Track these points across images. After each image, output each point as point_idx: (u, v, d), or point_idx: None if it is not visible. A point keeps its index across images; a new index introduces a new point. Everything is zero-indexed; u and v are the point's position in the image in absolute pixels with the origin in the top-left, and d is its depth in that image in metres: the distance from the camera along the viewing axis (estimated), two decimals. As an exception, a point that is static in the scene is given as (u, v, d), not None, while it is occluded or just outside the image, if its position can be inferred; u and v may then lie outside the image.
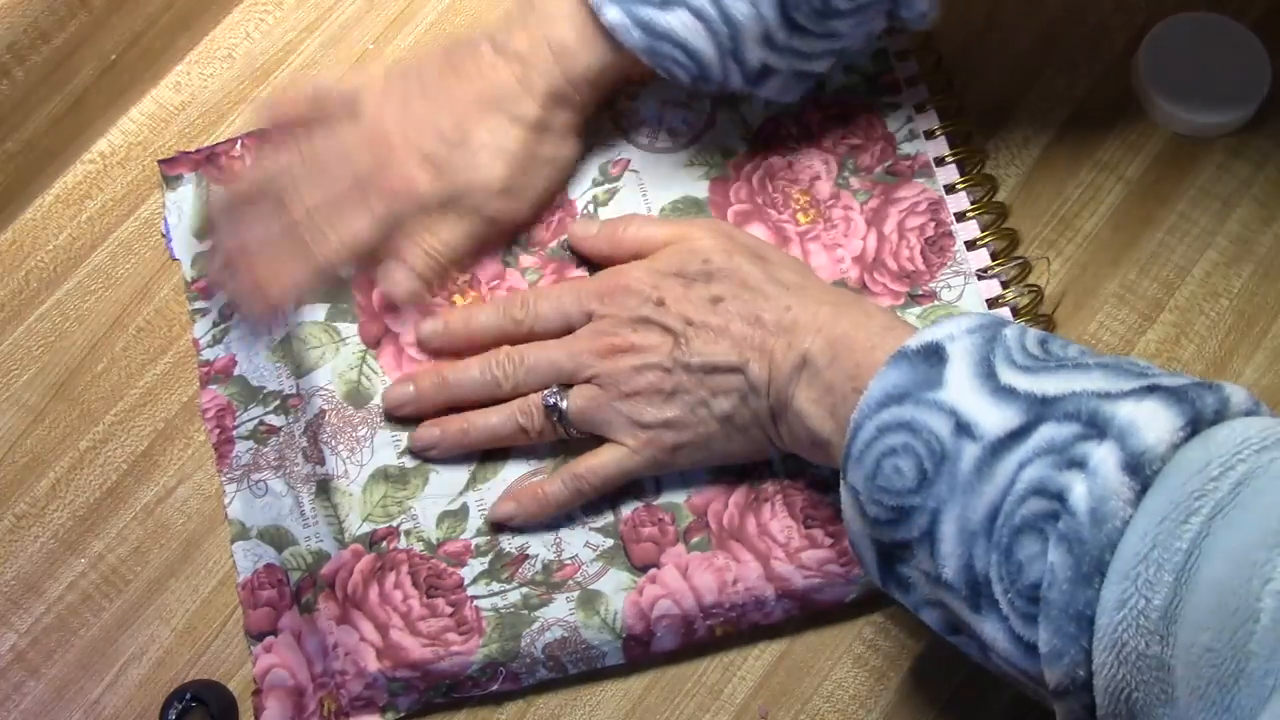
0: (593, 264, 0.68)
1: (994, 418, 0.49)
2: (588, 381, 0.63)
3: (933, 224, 0.69)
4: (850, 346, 0.56)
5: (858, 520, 0.53)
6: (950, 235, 0.69)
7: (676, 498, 0.65)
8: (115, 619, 0.66)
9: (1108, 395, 0.48)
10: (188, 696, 0.63)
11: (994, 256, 0.69)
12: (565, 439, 0.64)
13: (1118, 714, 0.44)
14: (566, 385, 0.63)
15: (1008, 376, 0.50)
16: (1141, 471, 0.45)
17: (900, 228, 0.69)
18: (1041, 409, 0.48)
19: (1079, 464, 0.46)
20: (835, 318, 0.58)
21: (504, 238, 0.68)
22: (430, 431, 0.65)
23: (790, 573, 0.63)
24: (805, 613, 0.64)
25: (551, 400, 0.63)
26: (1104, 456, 0.45)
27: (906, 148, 0.71)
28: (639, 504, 0.65)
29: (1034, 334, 0.53)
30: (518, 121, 0.65)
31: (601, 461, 0.63)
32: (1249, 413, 0.47)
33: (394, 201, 0.65)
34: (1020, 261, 0.69)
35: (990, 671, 0.52)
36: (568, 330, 0.64)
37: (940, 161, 0.70)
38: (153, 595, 0.66)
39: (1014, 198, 0.72)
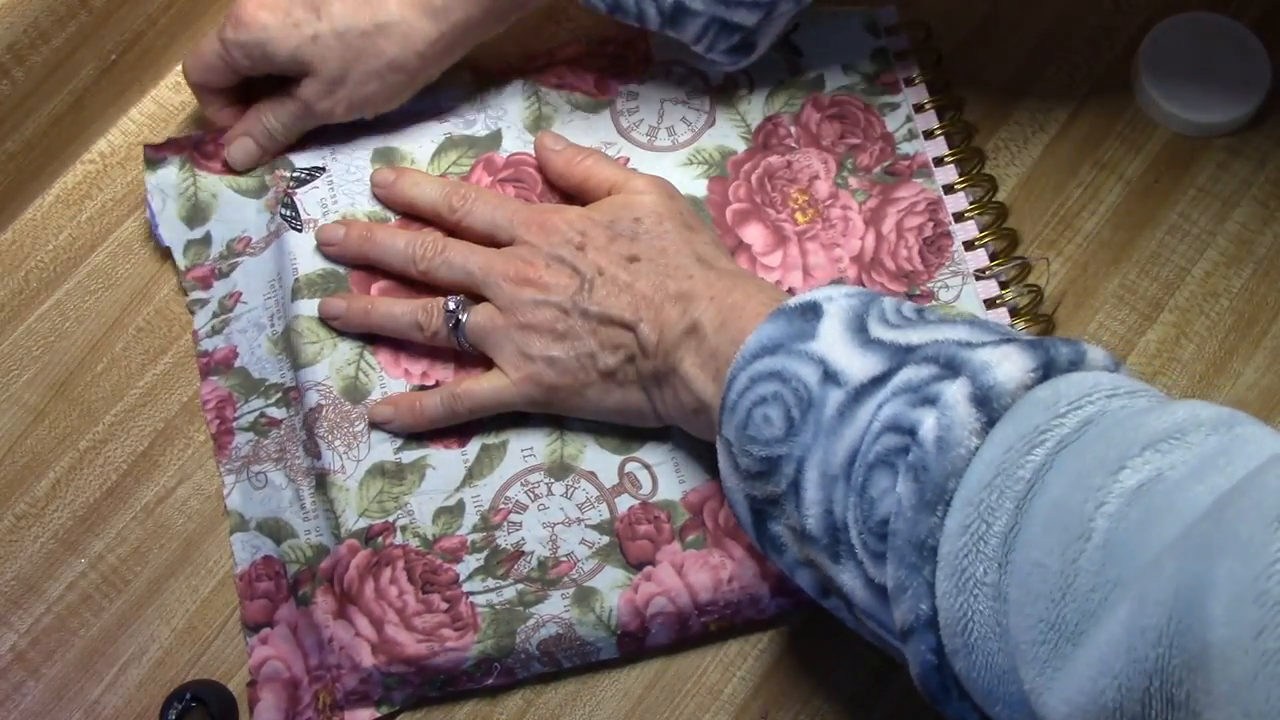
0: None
1: (859, 365, 0.50)
2: (492, 301, 0.64)
3: (931, 224, 0.69)
4: (739, 314, 0.57)
5: (732, 475, 0.53)
6: (949, 235, 0.69)
7: (673, 495, 0.65)
8: (115, 619, 0.66)
9: (968, 344, 0.48)
10: (188, 696, 0.63)
11: (993, 257, 0.69)
12: (457, 349, 0.65)
13: (957, 650, 0.45)
14: (473, 298, 0.65)
15: (878, 331, 0.51)
16: (990, 405, 0.45)
17: (899, 227, 0.69)
18: (904, 356, 0.49)
19: (931, 400, 0.46)
20: (730, 289, 0.58)
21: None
22: (337, 303, 0.66)
23: (787, 571, 0.63)
24: (800, 608, 0.64)
25: (453, 307, 0.64)
26: (955, 391, 0.46)
27: (905, 148, 0.71)
28: (635, 502, 0.65)
29: (911, 304, 0.53)
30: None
31: (481, 387, 0.64)
32: (1106, 370, 0.48)
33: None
34: (1020, 262, 0.69)
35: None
36: (491, 242, 0.65)
37: (939, 162, 0.70)
38: (153, 595, 0.66)
39: (1014, 198, 0.72)
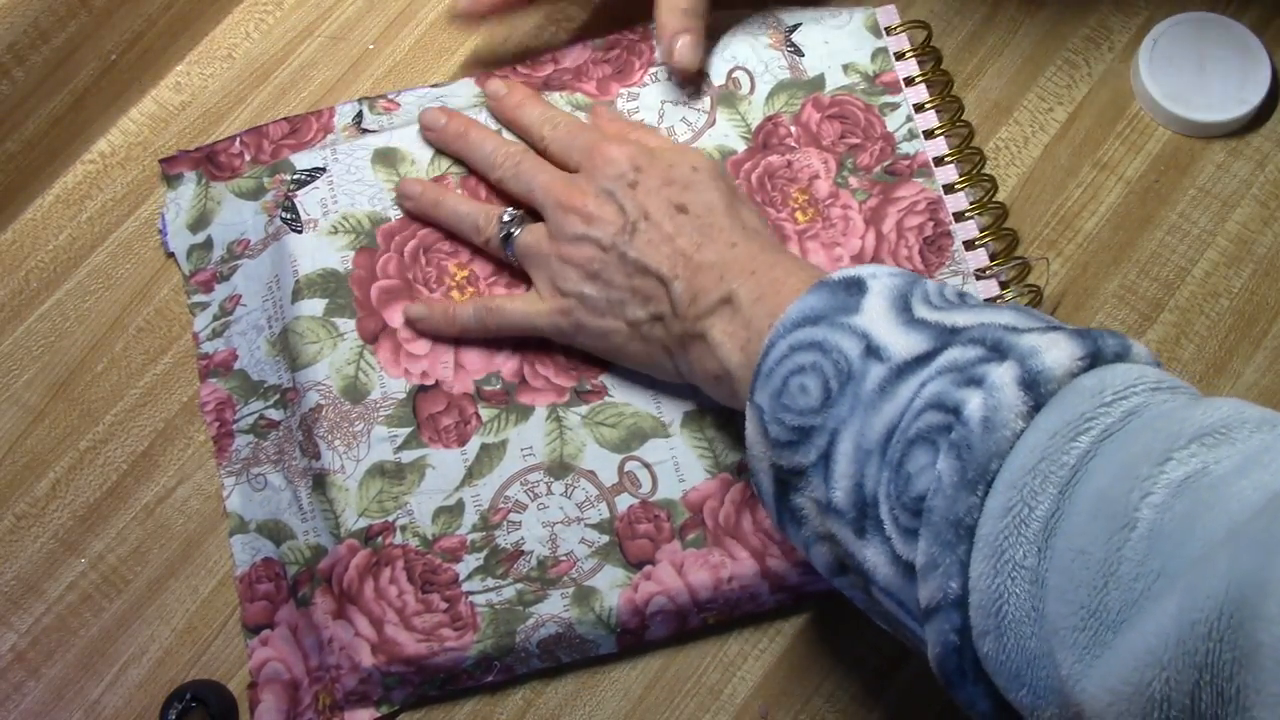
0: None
1: (903, 342, 0.50)
2: (545, 223, 0.65)
3: (931, 224, 0.69)
4: (778, 289, 0.57)
5: (760, 443, 0.53)
6: (949, 235, 0.69)
7: (673, 494, 0.65)
8: (115, 619, 0.66)
9: (1014, 329, 0.49)
10: (188, 696, 0.63)
11: (993, 256, 0.69)
12: (504, 261, 0.67)
13: (987, 631, 0.45)
14: (532, 215, 0.66)
15: (921, 311, 0.51)
16: (1037, 389, 0.46)
17: (899, 227, 0.69)
18: (950, 336, 0.49)
19: (977, 381, 0.46)
20: (772, 264, 0.59)
21: None
22: (414, 186, 0.69)
23: (785, 569, 0.63)
24: (799, 603, 0.64)
25: (508, 219, 0.66)
26: (1002, 373, 0.46)
27: (906, 147, 0.71)
28: (635, 501, 0.65)
29: (952, 288, 0.53)
30: None
31: (513, 306, 0.66)
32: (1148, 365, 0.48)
33: None
34: (1020, 262, 0.69)
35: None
36: (566, 167, 0.67)
37: (939, 161, 0.70)
38: (153, 595, 0.66)
39: (1014, 198, 0.72)
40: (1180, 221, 0.71)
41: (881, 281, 0.53)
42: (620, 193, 0.63)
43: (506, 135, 0.70)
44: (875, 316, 0.51)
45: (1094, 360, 0.47)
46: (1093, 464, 0.43)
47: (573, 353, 0.67)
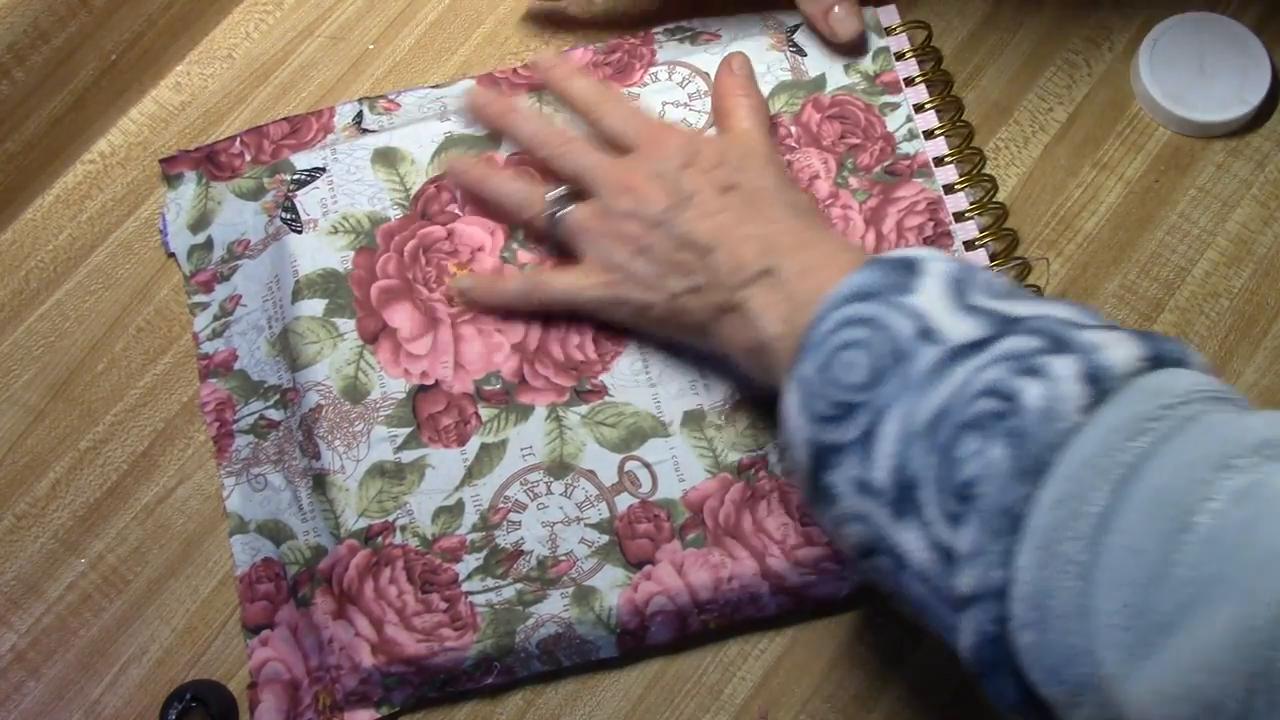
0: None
1: (959, 327, 0.49)
2: (594, 201, 0.66)
3: (931, 224, 0.69)
4: (825, 265, 0.57)
5: (799, 417, 0.52)
6: (949, 235, 0.69)
7: (673, 494, 0.65)
8: (115, 619, 0.66)
9: (1074, 324, 0.48)
10: (188, 696, 0.63)
11: (993, 257, 0.69)
12: (549, 239, 0.68)
13: (1029, 623, 0.44)
14: (577, 196, 0.67)
15: (978, 299, 0.51)
16: (1099, 384, 0.45)
17: (899, 227, 0.69)
18: (1008, 325, 0.49)
19: (1036, 371, 0.46)
20: (820, 241, 0.59)
21: None
22: (461, 163, 0.70)
23: (786, 570, 0.63)
24: (798, 607, 0.64)
25: (558, 196, 0.67)
26: (1064, 366, 0.46)
27: (906, 147, 0.71)
28: (635, 500, 0.65)
29: (1004, 280, 0.53)
30: None
31: (559, 280, 0.66)
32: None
33: None
34: (1020, 262, 0.69)
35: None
36: (616, 148, 0.67)
37: (939, 161, 0.70)
38: (153, 595, 0.66)
39: (1014, 198, 0.72)
40: (1180, 221, 0.71)
41: (937, 265, 0.52)
42: (672, 173, 0.63)
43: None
44: (931, 299, 0.51)
45: (1155, 363, 0.46)
46: (1150, 464, 0.43)
47: (572, 352, 0.67)
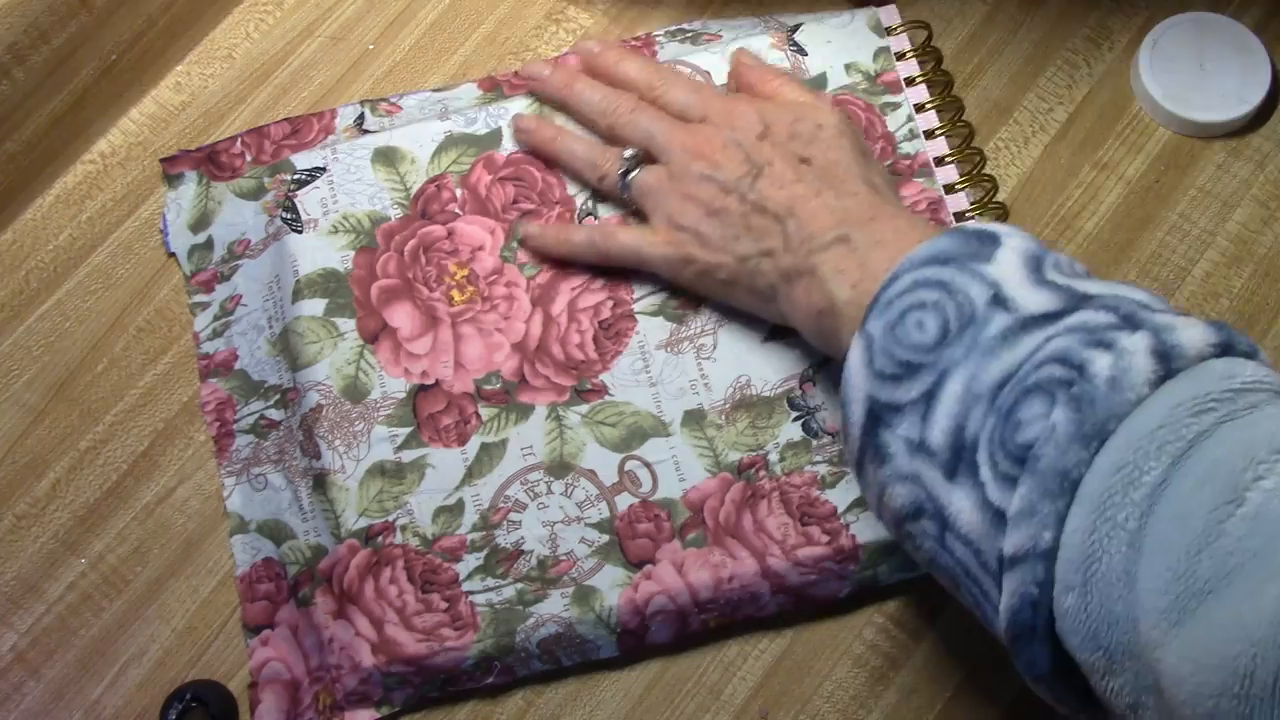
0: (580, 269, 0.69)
1: (1033, 298, 0.50)
2: (665, 165, 0.67)
3: (932, 224, 0.69)
4: (899, 236, 0.57)
5: (861, 373, 0.53)
6: (950, 235, 0.69)
7: (673, 493, 0.65)
8: (115, 619, 0.66)
9: (1146, 306, 0.49)
10: (188, 696, 0.63)
11: (993, 256, 0.69)
12: (618, 199, 0.69)
13: (1073, 587, 0.45)
14: (646, 160, 0.68)
15: (1053, 275, 0.51)
16: (1168, 361, 0.46)
17: (899, 227, 0.69)
18: (1081, 300, 0.49)
19: (1107, 344, 0.47)
20: (894, 215, 0.59)
21: None
22: (530, 121, 0.71)
23: (786, 570, 0.63)
24: (798, 608, 0.64)
25: (629, 155, 0.68)
26: (1135, 341, 0.46)
27: (906, 147, 0.71)
28: (635, 500, 0.65)
29: (1079, 263, 0.54)
30: None
31: (628, 235, 0.67)
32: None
33: None
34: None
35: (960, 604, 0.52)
36: (680, 119, 0.68)
37: (940, 161, 0.70)
38: (153, 595, 0.66)
39: (1014, 197, 0.72)
40: (1180, 221, 0.71)
41: (1015, 238, 0.53)
42: (748, 143, 0.64)
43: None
44: (1006, 269, 0.51)
45: (1225, 350, 0.47)
46: (1209, 441, 0.43)
47: (572, 351, 0.67)
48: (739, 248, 0.63)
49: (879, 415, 0.52)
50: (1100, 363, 0.46)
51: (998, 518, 0.47)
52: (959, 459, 0.49)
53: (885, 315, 0.52)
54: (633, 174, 0.67)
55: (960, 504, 0.49)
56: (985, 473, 0.48)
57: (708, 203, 0.64)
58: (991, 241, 0.53)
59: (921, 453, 0.50)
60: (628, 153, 0.68)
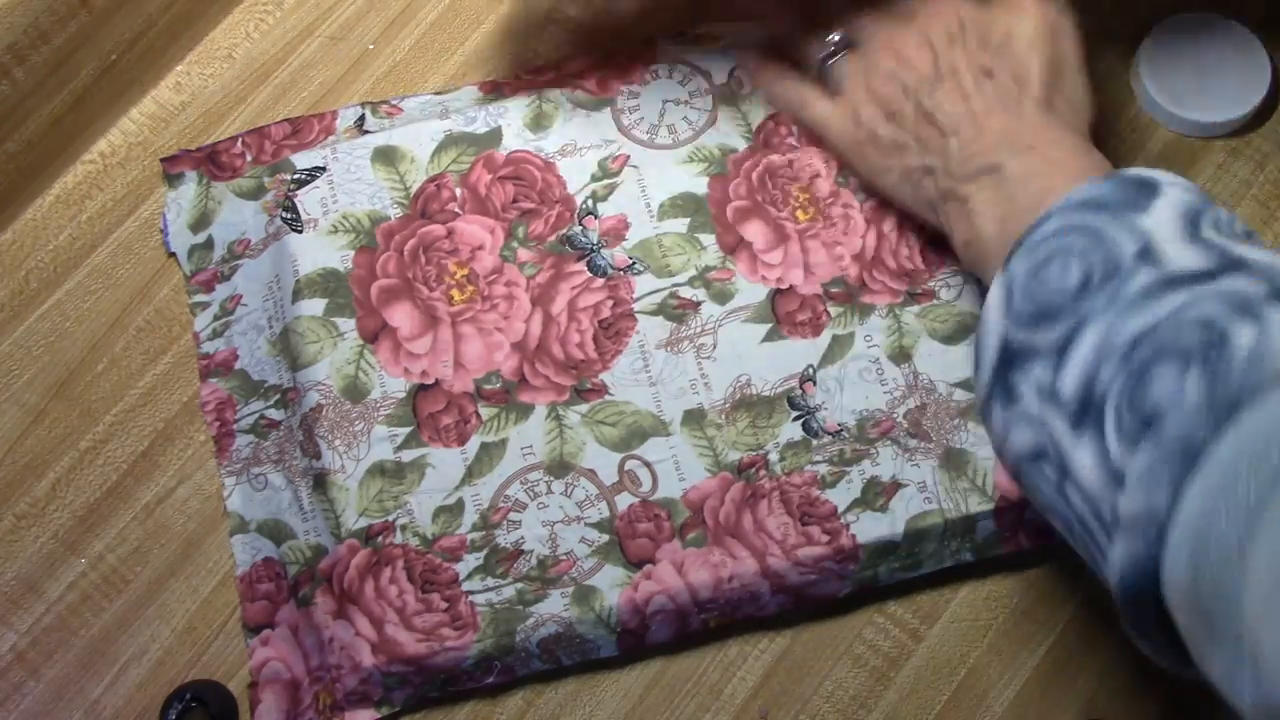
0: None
1: (1183, 256, 0.49)
2: (862, 55, 0.67)
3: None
4: (1052, 171, 0.57)
5: (998, 310, 0.52)
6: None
7: (673, 493, 0.65)
8: (115, 619, 0.66)
9: None
10: (188, 696, 0.63)
11: (994, 256, 0.69)
12: (818, 77, 0.69)
13: (1183, 557, 0.44)
14: (850, 46, 0.68)
15: (1209, 233, 0.50)
16: None
17: (900, 227, 0.69)
18: (1233, 264, 0.48)
19: (1254, 315, 0.45)
20: (1057, 142, 0.58)
21: None
22: None
23: (786, 569, 0.63)
24: (798, 607, 0.64)
25: (836, 39, 0.68)
26: None
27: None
28: (635, 500, 0.65)
29: (1242, 223, 0.52)
30: None
31: (822, 106, 0.68)
32: None
33: None
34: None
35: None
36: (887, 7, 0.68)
37: (940, 161, 0.70)
38: (153, 595, 0.66)
39: (1014, 197, 0.72)
40: (1180, 221, 0.71)
41: (1175, 190, 0.52)
42: (939, 44, 0.64)
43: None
44: (1161, 222, 0.50)
45: None
46: None
47: (572, 351, 0.67)
48: (907, 159, 0.63)
49: (1012, 357, 0.51)
50: (1244, 335, 0.45)
51: (1115, 477, 0.46)
52: (1086, 412, 0.48)
53: (1031, 257, 0.52)
54: (833, 60, 0.68)
55: (1082, 457, 0.48)
56: (1110, 429, 0.47)
57: (888, 103, 0.64)
58: (1150, 191, 0.51)
59: (1051, 400, 0.49)
60: (835, 35, 0.68)
